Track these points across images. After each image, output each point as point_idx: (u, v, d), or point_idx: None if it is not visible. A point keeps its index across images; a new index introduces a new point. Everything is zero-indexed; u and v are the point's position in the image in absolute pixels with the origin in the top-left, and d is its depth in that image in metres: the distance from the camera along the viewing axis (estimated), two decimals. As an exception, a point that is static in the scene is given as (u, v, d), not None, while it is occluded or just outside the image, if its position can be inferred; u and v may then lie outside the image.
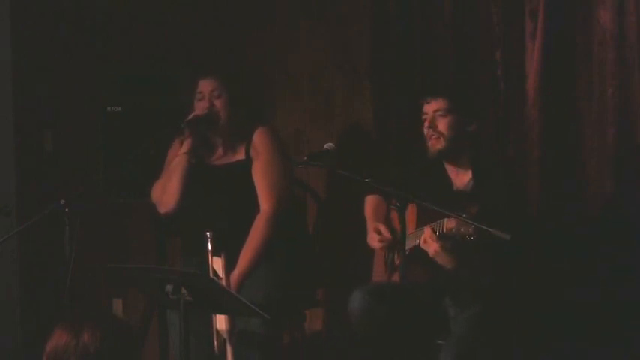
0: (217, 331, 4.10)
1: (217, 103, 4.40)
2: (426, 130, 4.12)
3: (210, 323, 4.11)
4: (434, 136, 4.10)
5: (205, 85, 4.41)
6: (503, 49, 4.62)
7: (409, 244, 3.90)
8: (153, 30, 5.34)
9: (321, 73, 5.19)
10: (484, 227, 3.55)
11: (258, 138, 4.43)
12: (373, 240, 4.23)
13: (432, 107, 4.12)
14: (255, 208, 4.38)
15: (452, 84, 4.51)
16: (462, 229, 3.72)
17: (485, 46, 4.67)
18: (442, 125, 4.09)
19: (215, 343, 4.11)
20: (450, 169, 4.15)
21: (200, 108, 4.39)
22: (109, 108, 5.02)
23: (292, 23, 5.22)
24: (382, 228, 4.19)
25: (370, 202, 4.37)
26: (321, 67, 5.18)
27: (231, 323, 4.03)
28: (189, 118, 4.37)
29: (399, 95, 4.86)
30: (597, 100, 4.44)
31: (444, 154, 4.11)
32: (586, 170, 4.48)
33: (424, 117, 4.14)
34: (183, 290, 3.38)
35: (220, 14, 5.30)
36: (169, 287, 3.38)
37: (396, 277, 4.17)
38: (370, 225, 4.28)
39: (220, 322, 4.06)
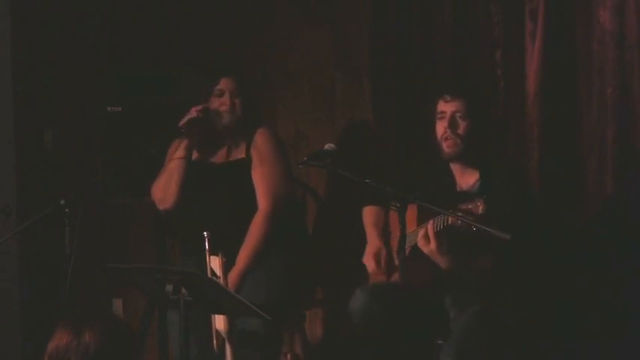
0: (217, 331, 4.10)
1: (237, 102, 4.44)
2: (442, 130, 4.06)
3: (209, 323, 4.11)
4: (451, 139, 4.04)
5: (227, 84, 4.45)
6: (504, 49, 4.62)
7: (409, 243, 3.89)
8: (153, 30, 5.34)
9: (321, 73, 5.19)
10: (484, 227, 3.55)
11: (260, 138, 4.45)
12: (369, 262, 4.20)
13: (451, 107, 4.05)
14: (253, 206, 4.39)
15: (471, 84, 4.46)
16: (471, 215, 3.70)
17: (485, 46, 4.67)
18: (462, 128, 4.03)
19: (214, 342, 4.12)
20: (456, 170, 4.12)
21: (218, 105, 4.42)
22: (109, 108, 5.02)
23: (292, 23, 5.22)
24: (384, 255, 4.16)
25: (368, 213, 4.34)
26: (321, 67, 5.18)
27: (231, 323, 4.03)
28: (183, 121, 4.38)
29: (399, 95, 4.87)
30: (597, 100, 4.43)
31: (458, 157, 4.08)
32: (586, 170, 4.48)
33: (440, 116, 4.08)
34: (183, 290, 3.38)
35: (221, 14, 5.30)
36: (169, 287, 3.38)
37: (395, 278, 4.17)
38: (371, 241, 4.25)
39: (219, 322, 4.06)
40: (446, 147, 4.06)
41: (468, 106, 4.05)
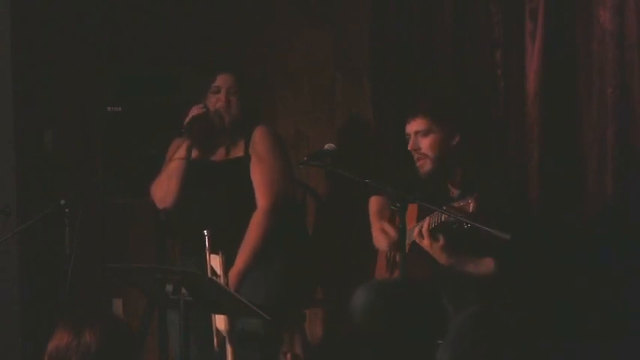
0: (217, 331, 4.10)
1: (233, 100, 4.42)
2: (412, 152, 4.07)
3: (210, 323, 4.11)
4: (420, 158, 4.05)
5: (224, 80, 4.44)
6: (504, 49, 4.62)
7: (408, 239, 3.90)
8: (153, 30, 5.34)
9: (321, 73, 5.19)
10: (484, 227, 3.55)
11: (258, 136, 4.44)
12: (379, 241, 4.22)
13: (412, 128, 4.06)
14: (253, 205, 4.39)
15: (430, 101, 4.42)
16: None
17: (485, 46, 4.67)
18: (425, 146, 4.03)
19: (215, 342, 4.12)
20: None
21: (214, 102, 4.41)
22: (109, 108, 5.03)
23: (292, 23, 5.23)
24: (387, 227, 4.18)
25: (374, 202, 4.36)
26: (321, 67, 5.18)
27: (231, 323, 4.03)
28: (187, 121, 4.38)
29: (399, 95, 4.86)
30: (597, 100, 4.43)
31: (433, 174, 4.06)
32: (586, 170, 4.48)
33: (407, 138, 4.09)
34: (183, 290, 3.38)
35: (221, 14, 5.30)
36: (169, 287, 3.39)
37: (397, 275, 4.17)
38: (375, 225, 4.27)
39: (220, 321, 4.06)
40: (419, 166, 4.06)
41: (427, 123, 4.03)
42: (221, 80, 4.45)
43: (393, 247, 4.18)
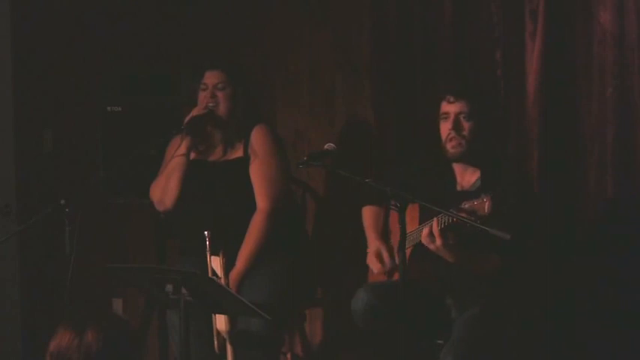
0: (218, 332, 4.10)
1: (220, 95, 4.41)
2: (446, 131, 4.07)
3: (210, 323, 4.12)
4: (456, 139, 4.05)
5: (211, 77, 4.43)
6: (504, 49, 4.62)
7: (410, 242, 3.89)
8: (153, 30, 5.34)
9: (321, 73, 5.19)
10: (484, 227, 3.55)
11: (256, 136, 4.43)
12: (373, 264, 4.21)
13: (455, 108, 4.06)
14: (253, 205, 4.38)
15: (473, 86, 4.44)
16: (476, 213, 3.70)
17: (485, 46, 4.67)
18: (467, 129, 4.04)
19: (215, 343, 4.12)
20: (458, 169, 4.13)
21: (202, 99, 4.41)
22: (109, 108, 5.03)
23: (292, 23, 5.22)
24: (385, 255, 4.18)
25: (368, 214, 4.34)
26: (321, 67, 5.18)
27: (232, 323, 4.04)
28: (188, 119, 4.38)
29: (399, 95, 4.87)
30: (597, 100, 4.44)
31: (463, 158, 4.08)
32: (586, 170, 4.48)
33: (444, 117, 4.09)
34: (183, 290, 3.38)
35: (220, 14, 5.30)
36: (169, 287, 3.39)
37: (396, 277, 4.16)
38: (371, 242, 4.26)
39: (220, 322, 4.06)
40: (450, 147, 4.06)
41: (471, 107, 4.05)
42: (208, 77, 4.44)
43: (386, 274, 4.19)
